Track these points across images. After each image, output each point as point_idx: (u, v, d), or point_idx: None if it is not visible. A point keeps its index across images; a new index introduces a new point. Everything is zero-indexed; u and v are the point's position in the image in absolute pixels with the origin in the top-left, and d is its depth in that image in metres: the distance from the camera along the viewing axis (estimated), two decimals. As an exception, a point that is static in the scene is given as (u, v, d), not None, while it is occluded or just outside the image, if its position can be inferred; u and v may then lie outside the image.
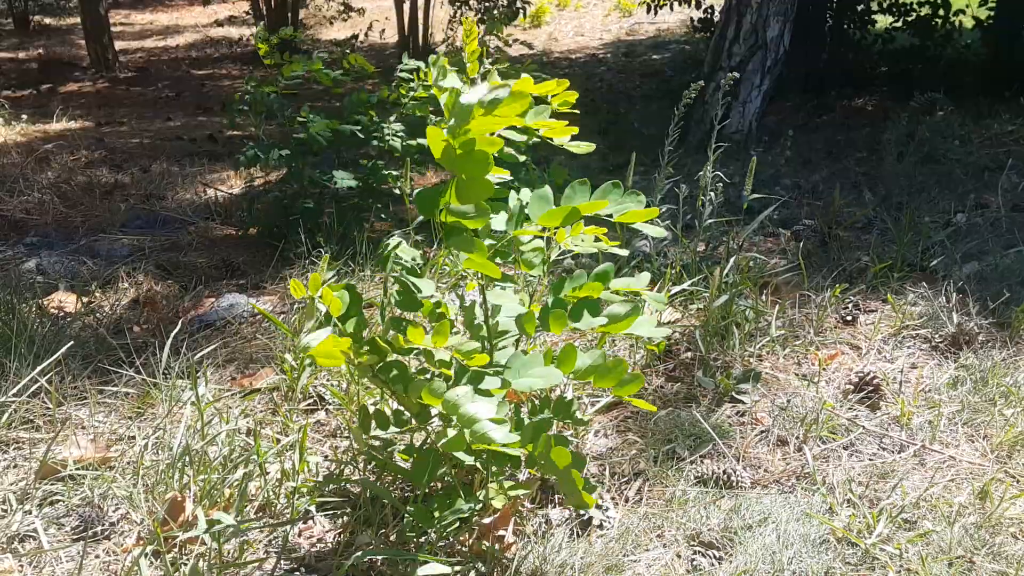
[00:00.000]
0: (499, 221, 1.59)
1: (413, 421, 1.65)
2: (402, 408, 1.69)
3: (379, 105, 3.33)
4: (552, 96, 1.43)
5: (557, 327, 1.52)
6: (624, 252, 1.66)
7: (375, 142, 3.20)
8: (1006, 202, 3.70)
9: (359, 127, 3.22)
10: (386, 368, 1.54)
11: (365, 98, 3.36)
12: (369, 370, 1.54)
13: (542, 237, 1.66)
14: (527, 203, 1.56)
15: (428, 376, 1.54)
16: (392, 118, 3.27)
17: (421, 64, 3.23)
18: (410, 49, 8.58)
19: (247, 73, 8.97)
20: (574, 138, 1.51)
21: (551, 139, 1.47)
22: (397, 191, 3.28)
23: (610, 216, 1.52)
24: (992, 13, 6.54)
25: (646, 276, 1.64)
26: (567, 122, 1.40)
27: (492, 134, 1.32)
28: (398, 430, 1.69)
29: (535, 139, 1.52)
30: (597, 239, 1.57)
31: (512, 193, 1.59)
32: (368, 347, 1.50)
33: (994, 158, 4.48)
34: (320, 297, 1.48)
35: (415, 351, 1.52)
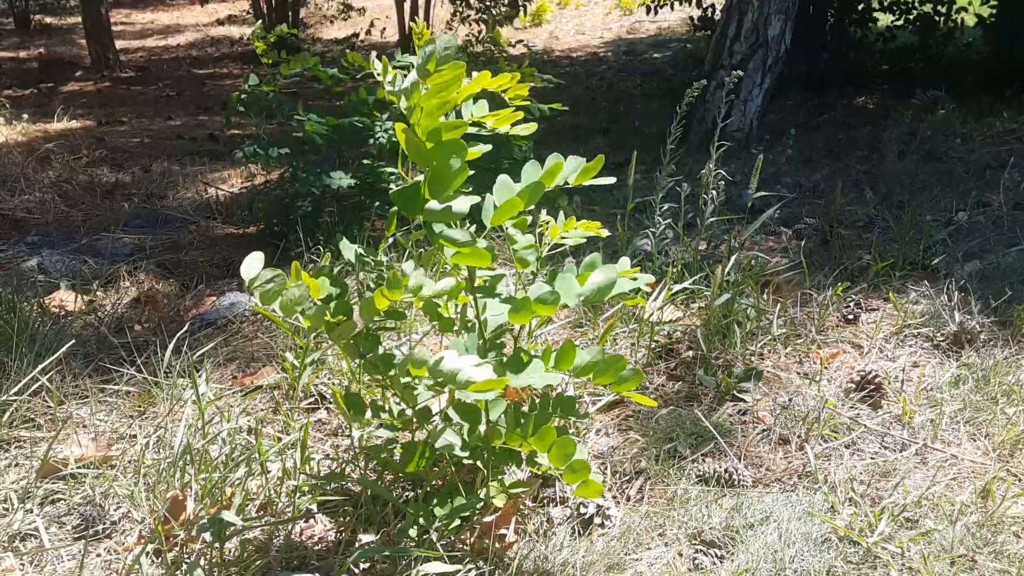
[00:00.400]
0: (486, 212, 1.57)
1: (414, 419, 1.65)
2: (402, 405, 1.68)
3: (379, 103, 3.33)
4: (505, 91, 1.44)
5: (547, 310, 1.50)
6: (605, 233, 1.66)
7: (372, 140, 3.20)
8: (1008, 200, 3.70)
9: (360, 124, 3.21)
10: (368, 341, 1.52)
11: (364, 96, 3.36)
12: (355, 350, 1.52)
13: (532, 231, 1.66)
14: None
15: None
16: (385, 116, 3.27)
17: (416, 59, 3.23)
18: (411, 48, 8.58)
19: (248, 72, 8.98)
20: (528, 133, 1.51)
21: (496, 129, 1.48)
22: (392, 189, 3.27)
23: (567, 184, 1.52)
24: (994, 11, 6.53)
25: (626, 260, 1.64)
26: (511, 109, 1.40)
27: (446, 115, 1.31)
28: (391, 422, 1.67)
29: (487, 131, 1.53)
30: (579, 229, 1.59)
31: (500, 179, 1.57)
32: (341, 311, 1.48)
33: (996, 156, 4.48)
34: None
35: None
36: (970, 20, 6.84)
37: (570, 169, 1.52)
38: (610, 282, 1.53)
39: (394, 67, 3.20)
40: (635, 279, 1.59)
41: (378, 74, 1.42)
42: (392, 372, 1.53)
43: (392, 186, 3.25)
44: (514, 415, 1.52)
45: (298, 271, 1.42)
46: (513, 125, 1.58)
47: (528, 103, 1.49)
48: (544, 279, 1.67)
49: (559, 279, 1.54)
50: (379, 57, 1.47)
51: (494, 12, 8.53)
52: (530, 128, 1.55)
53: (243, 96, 3.25)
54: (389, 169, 3.24)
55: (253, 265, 1.40)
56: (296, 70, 3.20)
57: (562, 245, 1.71)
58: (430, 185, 1.34)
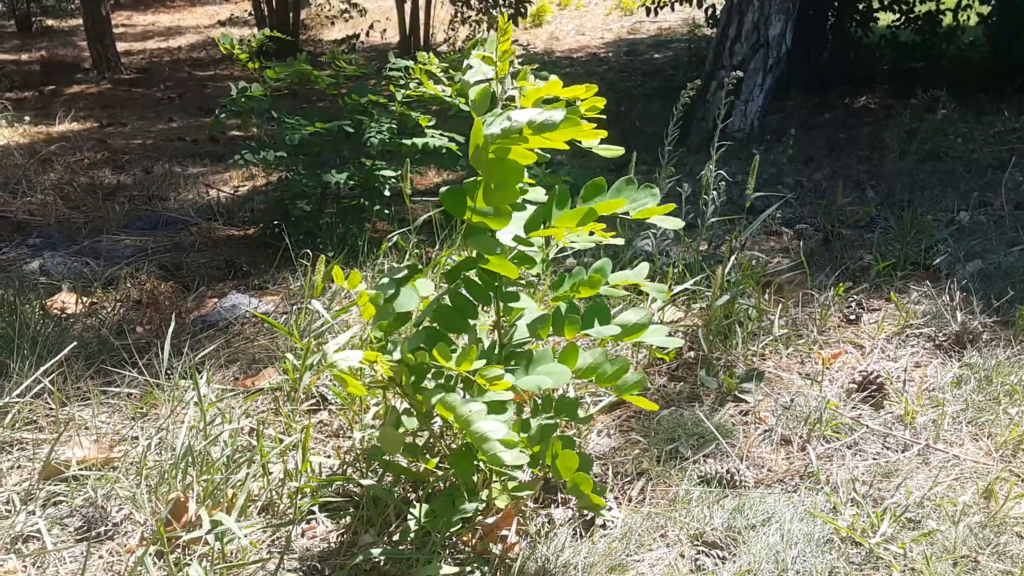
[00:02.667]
0: (515, 222, 1.56)
1: (419, 423, 1.65)
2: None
3: (375, 104, 3.32)
4: (580, 101, 1.41)
5: (570, 333, 1.52)
6: (620, 242, 1.64)
7: (365, 139, 3.19)
8: (1009, 200, 3.69)
9: (350, 128, 3.21)
10: (416, 373, 1.51)
11: (358, 98, 3.35)
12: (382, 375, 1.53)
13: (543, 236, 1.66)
14: (544, 204, 1.54)
15: (441, 381, 1.52)
16: (384, 118, 3.27)
17: (410, 63, 3.23)
18: (411, 49, 8.59)
19: (248, 73, 8.98)
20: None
21: (579, 142, 1.45)
22: (389, 191, 3.27)
23: (627, 214, 1.50)
24: (993, 9, 6.53)
25: (645, 267, 1.61)
26: (595, 125, 1.38)
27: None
28: (416, 429, 1.67)
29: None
30: (591, 233, 1.57)
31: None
32: (397, 360, 1.49)
33: (997, 156, 4.47)
34: (357, 297, 1.46)
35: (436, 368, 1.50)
36: (972, 19, 6.84)
37: (634, 204, 1.49)
38: (642, 325, 1.52)
39: (389, 69, 3.19)
40: (647, 290, 1.59)
41: (422, 82, 1.43)
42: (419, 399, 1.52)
43: (386, 189, 3.25)
44: (519, 423, 1.52)
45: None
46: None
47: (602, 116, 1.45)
48: (546, 281, 1.67)
49: (592, 309, 1.53)
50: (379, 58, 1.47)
51: (494, 13, 8.54)
52: (618, 151, 1.47)
53: (229, 108, 3.24)
54: (386, 172, 3.24)
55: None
56: (283, 74, 3.20)
57: (568, 248, 1.70)
58: (484, 193, 1.35)
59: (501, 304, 1.58)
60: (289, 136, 3.10)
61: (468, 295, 1.54)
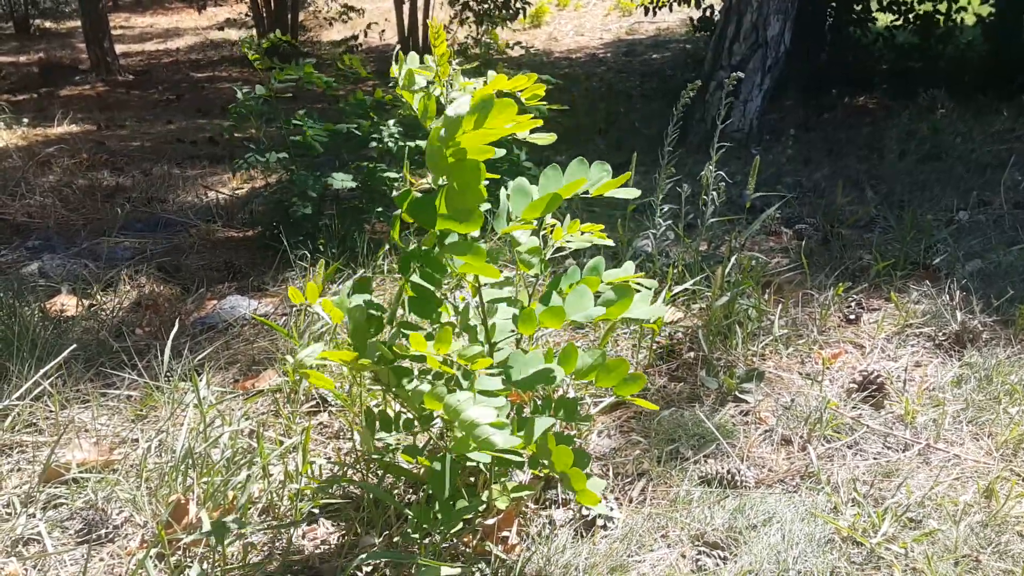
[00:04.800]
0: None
1: (416, 424, 1.65)
2: (405, 410, 1.68)
3: (377, 107, 3.33)
4: (521, 91, 1.43)
5: (554, 322, 1.51)
6: (610, 243, 1.67)
7: (373, 144, 3.20)
8: (1008, 199, 3.69)
9: (358, 130, 3.21)
10: (396, 372, 1.53)
11: (362, 98, 3.35)
12: (371, 374, 1.54)
13: (537, 233, 1.66)
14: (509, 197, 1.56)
15: (430, 377, 1.54)
16: (392, 121, 3.27)
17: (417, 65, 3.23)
18: (410, 50, 8.59)
19: (247, 75, 8.98)
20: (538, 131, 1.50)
21: (514, 134, 1.47)
22: (394, 194, 3.27)
23: (587, 193, 1.52)
24: (993, 9, 6.53)
25: (630, 264, 1.64)
26: (531, 116, 1.39)
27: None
28: (403, 433, 1.68)
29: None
30: (584, 233, 1.59)
31: (502, 190, 1.58)
32: (377, 358, 1.50)
33: (996, 155, 4.48)
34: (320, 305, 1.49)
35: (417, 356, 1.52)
36: (969, 19, 6.84)
37: (592, 179, 1.51)
38: (626, 299, 1.52)
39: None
40: (639, 284, 1.59)
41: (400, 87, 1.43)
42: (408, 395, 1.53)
43: (393, 191, 3.25)
44: (517, 421, 1.52)
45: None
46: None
47: (565, 107, 1.48)
48: (546, 282, 1.67)
49: (573, 294, 1.54)
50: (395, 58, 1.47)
51: (492, 14, 8.54)
52: (550, 138, 1.52)
53: (240, 110, 3.25)
54: (391, 174, 3.24)
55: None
56: (292, 76, 3.20)
57: (565, 248, 1.71)
58: (447, 198, 1.35)
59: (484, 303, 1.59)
60: (304, 139, 3.11)
61: (425, 283, 1.56)
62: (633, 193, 1.55)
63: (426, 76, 1.45)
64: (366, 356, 1.48)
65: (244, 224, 3.83)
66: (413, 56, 1.47)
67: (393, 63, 1.45)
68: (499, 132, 1.29)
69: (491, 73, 1.39)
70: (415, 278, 1.54)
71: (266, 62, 3.34)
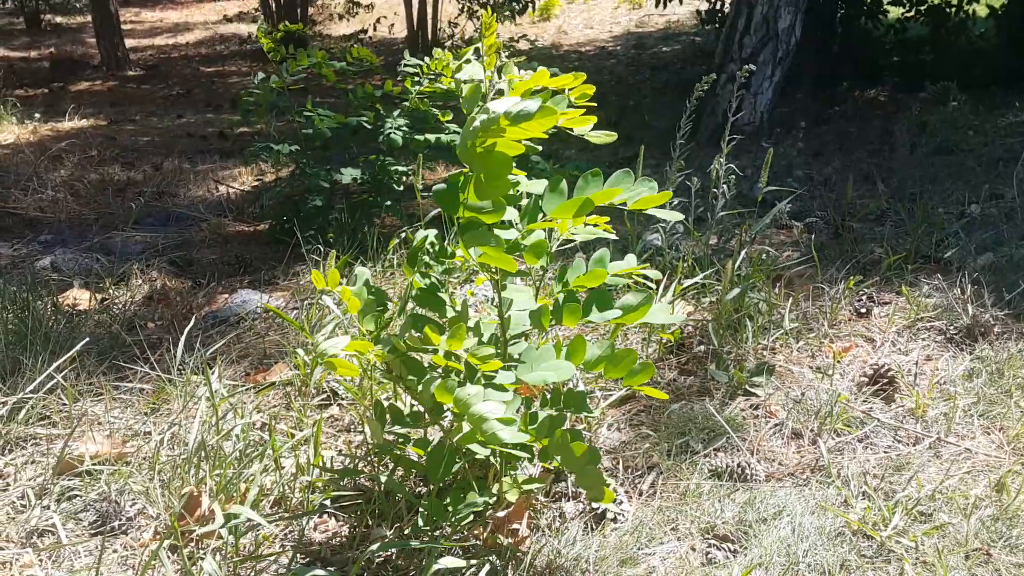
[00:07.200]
0: (510, 214, 1.58)
1: (427, 416, 1.66)
2: (414, 403, 1.69)
3: (385, 99, 3.33)
4: (569, 90, 1.42)
5: (571, 321, 1.52)
6: (613, 236, 1.66)
7: (381, 137, 3.20)
8: (1021, 192, 3.67)
9: (368, 123, 3.22)
10: (410, 365, 1.54)
11: (371, 91, 3.36)
12: (384, 366, 1.55)
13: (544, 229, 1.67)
14: (540, 196, 1.56)
15: (440, 371, 1.54)
16: (396, 113, 3.27)
17: (427, 58, 3.24)
18: (419, 44, 8.58)
19: (257, 69, 8.99)
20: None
21: (571, 129, 1.46)
22: (401, 187, 3.27)
23: (624, 205, 1.50)
24: (1005, 1, 6.48)
25: (632, 257, 1.63)
26: (584, 111, 1.39)
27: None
28: (413, 426, 1.69)
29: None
30: (591, 225, 1.59)
31: (523, 184, 1.58)
32: (389, 349, 1.51)
33: (1008, 148, 4.45)
34: (339, 293, 1.49)
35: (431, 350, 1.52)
36: (982, 11, 6.79)
37: (631, 193, 1.48)
38: (644, 305, 1.52)
39: (404, 66, 3.19)
40: (642, 276, 1.59)
41: (435, 78, 1.44)
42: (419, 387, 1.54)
43: (399, 185, 3.26)
44: (527, 416, 1.52)
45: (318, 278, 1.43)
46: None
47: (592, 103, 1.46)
48: (554, 275, 1.67)
49: (591, 296, 1.54)
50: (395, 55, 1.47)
51: (501, 8, 8.52)
52: (610, 136, 1.50)
53: (251, 98, 3.26)
54: (400, 167, 3.24)
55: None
56: (304, 66, 3.21)
57: (572, 241, 1.71)
58: (476, 187, 1.35)
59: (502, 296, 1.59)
60: (315, 128, 3.11)
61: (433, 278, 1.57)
62: (675, 216, 1.54)
63: (478, 68, 1.44)
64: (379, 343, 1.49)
65: (255, 218, 3.85)
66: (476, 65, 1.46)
67: (406, 56, 1.45)
68: (535, 133, 1.29)
69: (539, 68, 1.38)
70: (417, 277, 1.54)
71: (281, 51, 3.35)
